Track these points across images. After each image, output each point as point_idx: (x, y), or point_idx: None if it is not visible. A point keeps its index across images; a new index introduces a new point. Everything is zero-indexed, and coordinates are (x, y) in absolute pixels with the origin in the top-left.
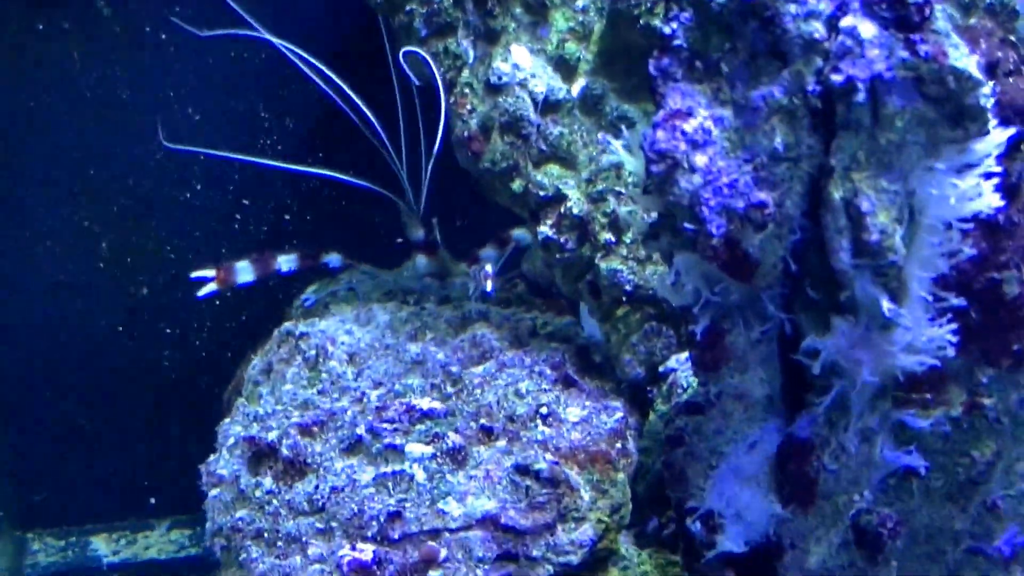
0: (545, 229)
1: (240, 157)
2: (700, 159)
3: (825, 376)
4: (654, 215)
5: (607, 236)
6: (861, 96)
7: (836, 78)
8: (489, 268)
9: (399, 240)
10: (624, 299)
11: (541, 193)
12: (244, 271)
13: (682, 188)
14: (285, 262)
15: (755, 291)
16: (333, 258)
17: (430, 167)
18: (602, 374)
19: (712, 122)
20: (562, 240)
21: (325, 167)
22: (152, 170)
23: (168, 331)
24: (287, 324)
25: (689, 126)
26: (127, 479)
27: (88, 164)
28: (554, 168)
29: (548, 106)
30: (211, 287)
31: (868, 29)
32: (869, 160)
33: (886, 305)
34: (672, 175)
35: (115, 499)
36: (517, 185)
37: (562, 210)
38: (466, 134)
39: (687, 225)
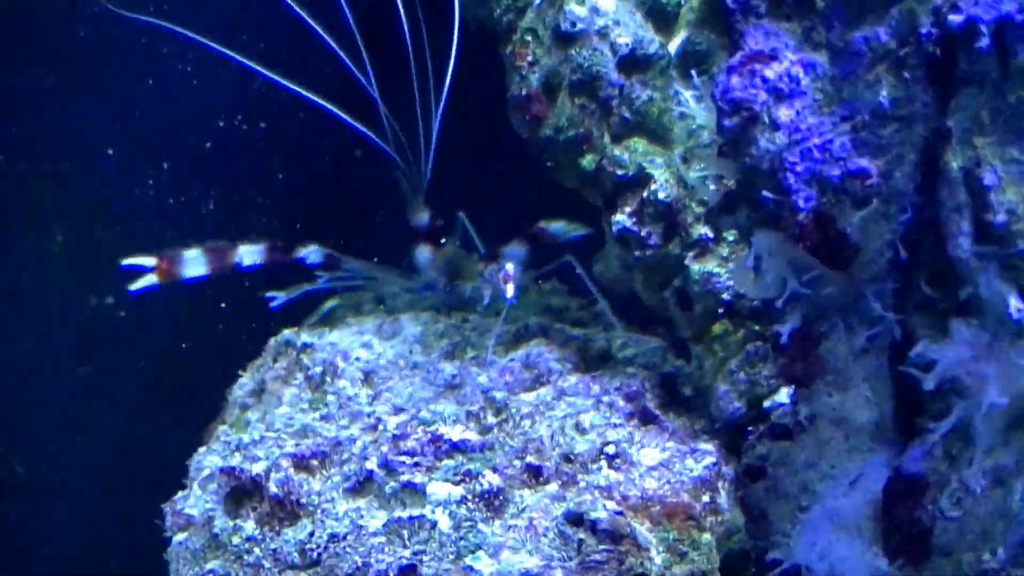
0: (622, 218)
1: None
2: (784, 113)
3: (942, 395)
4: (725, 185)
5: (702, 230)
6: (984, 42)
7: (954, 18)
8: (511, 268)
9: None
10: (721, 312)
11: (619, 172)
12: (193, 263)
13: (761, 148)
14: (247, 254)
15: (857, 285)
16: (312, 252)
17: (439, 118)
18: (691, 409)
19: (801, 68)
20: (643, 233)
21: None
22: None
23: (133, 351)
24: (287, 333)
25: (772, 72)
26: (76, 537)
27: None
28: (639, 142)
29: (635, 62)
30: (149, 279)
31: None
32: (994, 122)
33: (1015, 305)
34: (749, 131)
35: (61, 559)
36: (588, 161)
37: (645, 195)
38: (524, 92)
39: (767, 195)
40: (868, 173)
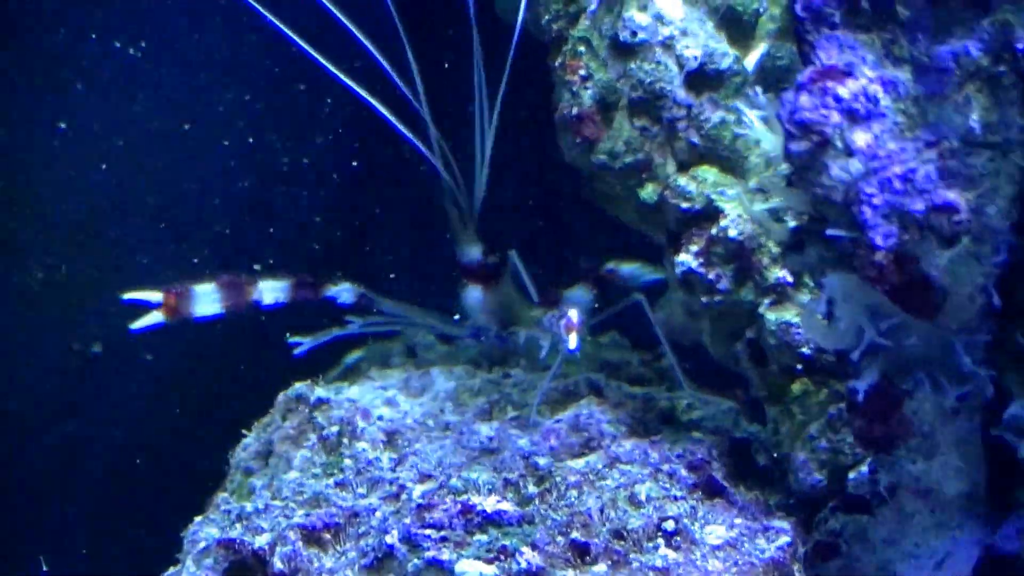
0: (688, 259)
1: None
2: (861, 137)
3: None
4: (792, 219)
5: (779, 273)
6: None
7: None
8: (575, 315)
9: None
10: (800, 368)
11: (684, 205)
12: (205, 299)
13: (834, 177)
14: (269, 291)
15: (944, 335)
16: (344, 290)
17: (490, 144)
18: (765, 481)
19: (880, 86)
20: (712, 276)
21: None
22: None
23: (126, 403)
24: (299, 387)
25: (846, 90)
26: None
27: None
28: (708, 171)
29: (705, 79)
30: (153, 318)
31: None
32: None
33: None
34: (820, 158)
35: None
36: (649, 192)
37: (714, 232)
38: (575, 112)
39: (840, 232)
40: (956, 208)
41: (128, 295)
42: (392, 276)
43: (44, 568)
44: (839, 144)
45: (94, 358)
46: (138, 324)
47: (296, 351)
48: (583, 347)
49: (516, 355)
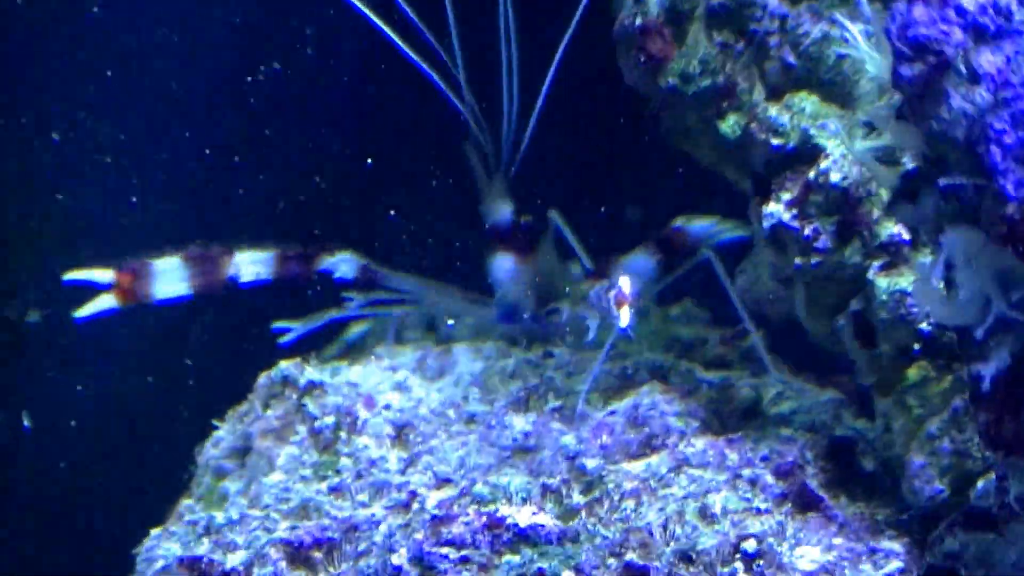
0: (778, 209)
1: None
2: (988, 60)
3: None
4: (910, 160)
5: (893, 229)
6: None
7: None
8: (626, 285)
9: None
10: (918, 349)
11: (775, 142)
12: (169, 277)
13: (955, 109)
14: (248, 265)
15: None
16: (342, 261)
17: (515, 80)
18: (873, 491)
19: None
20: (808, 232)
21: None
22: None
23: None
24: (285, 366)
25: (970, 1)
26: None
27: None
28: (806, 100)
29: None
30: (104, 302)
31: None
32: None
33: None
34: (937, 85)
35: None
36: (731, 124)
37: (812, 176)
38: (639, 23)
39: (961, 180)
40: None
41: (71, 275)
42: (405, 245)
43: (26, 423)
44: (962, 68)
45: (30, 327)
46: (84, 311)
47: (282, 339)
48: (641, 325)
49: (558, 339)
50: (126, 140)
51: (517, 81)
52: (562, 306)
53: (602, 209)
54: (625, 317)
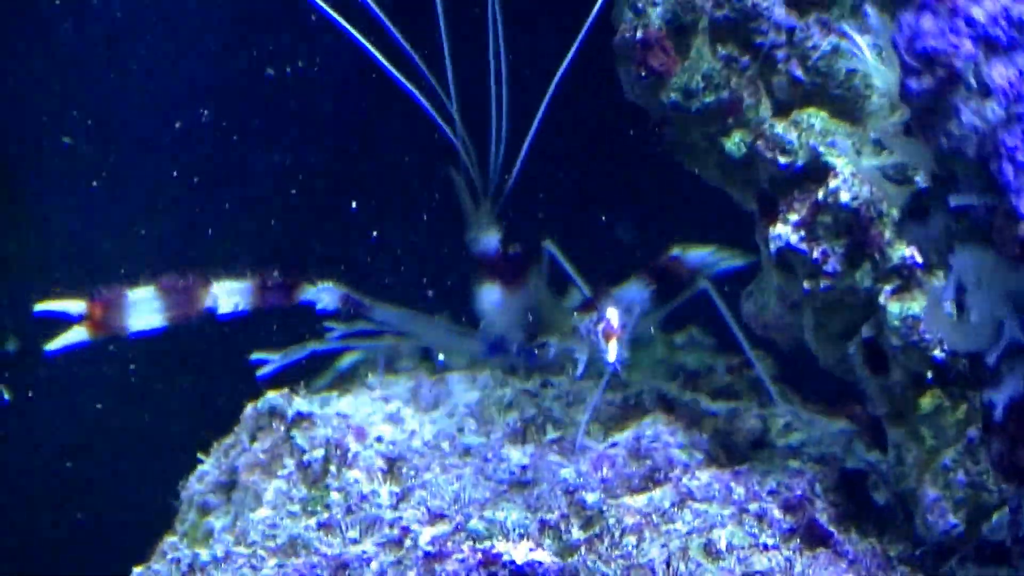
0: (786, 231)
1: None
2: (1000, 73)
3: None
4: (920, 178)
5: (905, 252)
6: None
7: None
8: (614, 317)
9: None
10: (931, 377)
11: (783, 160)
12: (143, 309)
13: (965, 124)
14: (226, 296)
15: None
16: (324, 291)
17: (503, 91)
18: (885, 526)
19: None
20: (817, 255)
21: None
22: None
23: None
24: (272, 397)
25: (982, 11)
26: None
27: None
28: (815, 116)
29: None
30: (75, 335)
31: None
32: None
33: None
34: (947, 99)
35: None
36: (736, 142)
37: (821, 196)
38: (640, 35)
39: (972, 198)
40: None
41: (42, 306)
42: (388, 275)
43: (6, 397)
44: (972, 81)
45: (8, 356)
46: (55, 344)
47: (260, 372)
48: (643, 353)
49: (547, 371)
50: (107, 163)
51: (506, 100)
52: (550, 339)
53: (599, 233)
54: (613, 351)
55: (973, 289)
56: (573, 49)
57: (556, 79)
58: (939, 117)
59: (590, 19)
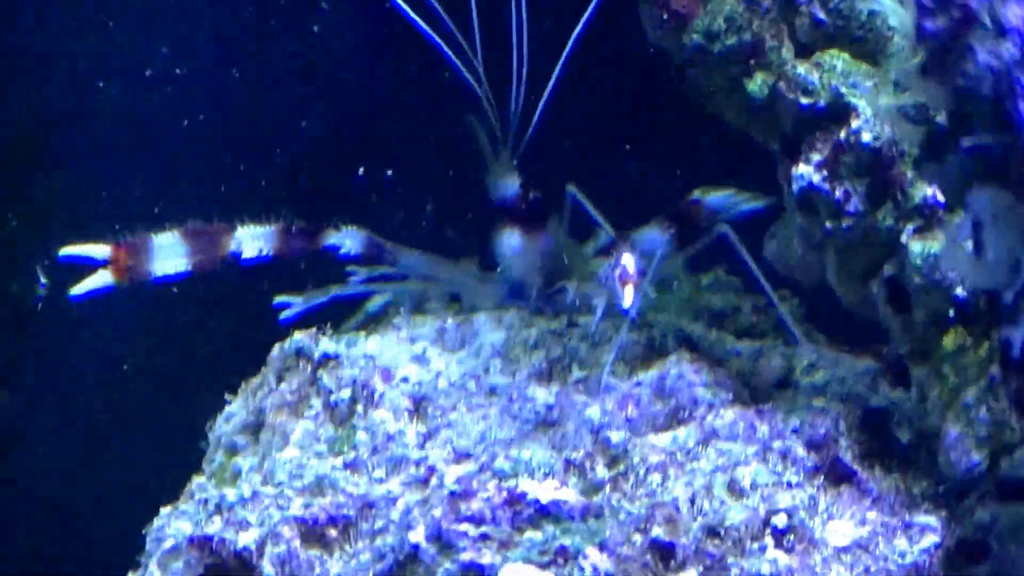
0: (808, 171)
1: None
2: (1016, 13)
3: None
4: (941, 118)
5: (927, 191)
6: None
7: None
8: (630, 263)
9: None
10: (954, 315)
11: (804, 101)
12: (167, 253)
13: (981, 64)
14: (250, 241)
15: None
16: (348, 236)
17: (524, 43)
18: (908, 463)
19: None
20: (839, 194)
21: None
22: None
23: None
24: (299, 338)
25: None
26: None
27: None
28: (837, 57)
29: None
30: (100, 279)
31: None
32: None
33: None
34: (962, 38)
35: None
36: (758, 83)
37: (843, 136)
38: None
39: (988, 138)
40: None
41: (67, 251)
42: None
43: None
44: (987, 21)
45: (37, 302)
46: (80, 288)
47: (283, 315)
48: (680, 290)
49: (577, 311)
50: (130, 120)
51: (526, 44)
52: (569, 285)
53: (623, 178)
54: (629, 297)
55: (990, 227)
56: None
57: (578, 29)
58: (954, 57)
59: None
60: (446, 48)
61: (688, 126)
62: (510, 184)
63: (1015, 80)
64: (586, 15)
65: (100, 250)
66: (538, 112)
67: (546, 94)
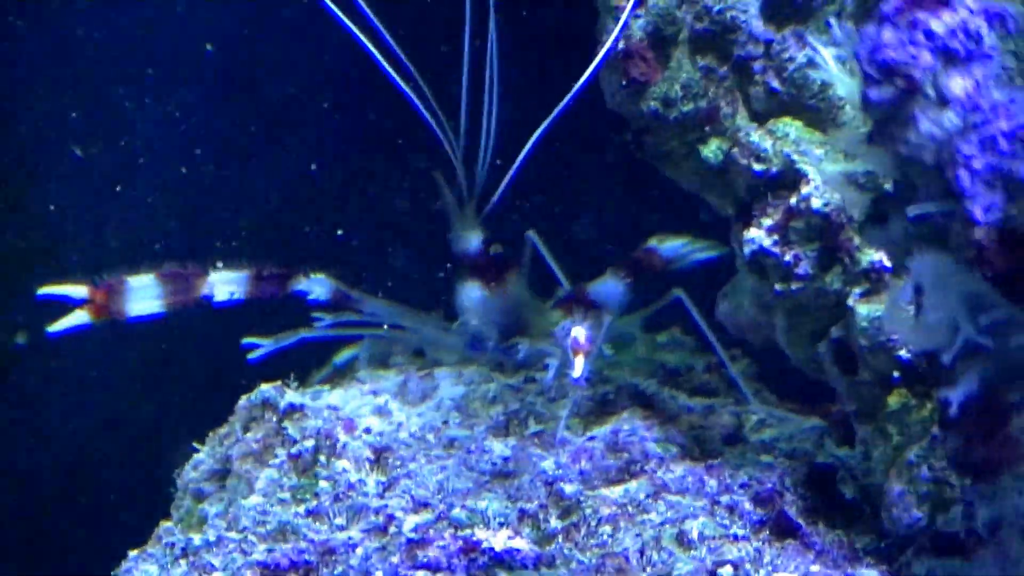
0: (760, 235)
1: None
2: (958, 84)
3: None
4: (886, 183)
5: (874, 256)
6: None
7: None
8: (581, 334)
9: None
10: (898, 377)
11: (757, 167)
12: (143, 295)
13: (923, 133)
14: (222, 285)
15: None
16: (316, 283)
17: (494, 92)
18: (852, 519)
19: (984, 20)
20: (789, 258)
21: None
22: None
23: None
24: (265, 390)
25: (941, 24)
26: None
27: None
28: (790, 125)
29: (790, 6)
30: (76, 318)
31: None
32: None
33: None
34: (906, 108)
35: None
36: (713, 149)
37: (794, 201)
38: (621, 46)
39: (930, 207)
40: None
41: (45, 290)
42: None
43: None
44: (931, 92)
45: (17, 349)
46: (57, 326)
47: (251, 355)
48: (635, 348)
49: (535, 368)
50: (112, 158)
51: (495, 106)
52: (523, 341)
53: (582, 233)
54: (579, 367)
55: (931, 291)
56: (581, 84)
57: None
58: (898, 126)
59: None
60: (422, 108)
61: (647, 189)
62: (473, 239)
63: (957, 149)
64: (568, 97)
65: (78, 290)
66: (506, 181)
67: (513, 168)
